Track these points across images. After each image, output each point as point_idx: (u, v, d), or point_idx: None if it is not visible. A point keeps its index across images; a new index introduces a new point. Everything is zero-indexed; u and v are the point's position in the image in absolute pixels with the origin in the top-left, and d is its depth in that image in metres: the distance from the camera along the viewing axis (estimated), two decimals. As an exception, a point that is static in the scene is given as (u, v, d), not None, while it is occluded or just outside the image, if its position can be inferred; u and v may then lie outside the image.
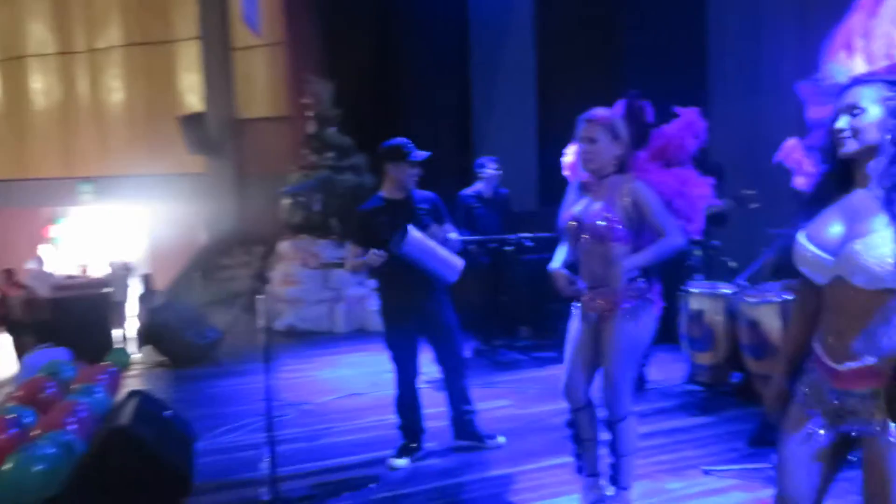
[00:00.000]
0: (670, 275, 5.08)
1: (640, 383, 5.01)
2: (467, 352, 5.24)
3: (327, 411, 5.15)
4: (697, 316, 4.89)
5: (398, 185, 3.92)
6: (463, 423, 4.13)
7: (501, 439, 4.17)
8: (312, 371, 6.31)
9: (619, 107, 3.16)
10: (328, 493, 3.67)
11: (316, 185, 6.97)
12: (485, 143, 8.38)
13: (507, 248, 6.04)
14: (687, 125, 3.23)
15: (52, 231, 13.36)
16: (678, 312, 5.04)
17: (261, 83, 11.24)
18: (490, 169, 6.14)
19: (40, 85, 13.12)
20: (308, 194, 7.46)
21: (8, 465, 3.54)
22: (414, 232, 3.69)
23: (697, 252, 5.14)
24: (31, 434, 3.90)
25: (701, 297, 4.89)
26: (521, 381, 5.58)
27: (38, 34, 12.99)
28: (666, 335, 5.53)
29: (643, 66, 6.32)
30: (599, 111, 3.01)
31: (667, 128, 3.23)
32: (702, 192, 3.10)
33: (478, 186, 6.18)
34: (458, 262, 3.88)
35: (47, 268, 10.27)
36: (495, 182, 6.20)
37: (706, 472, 3.67)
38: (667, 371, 5.35)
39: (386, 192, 3.96)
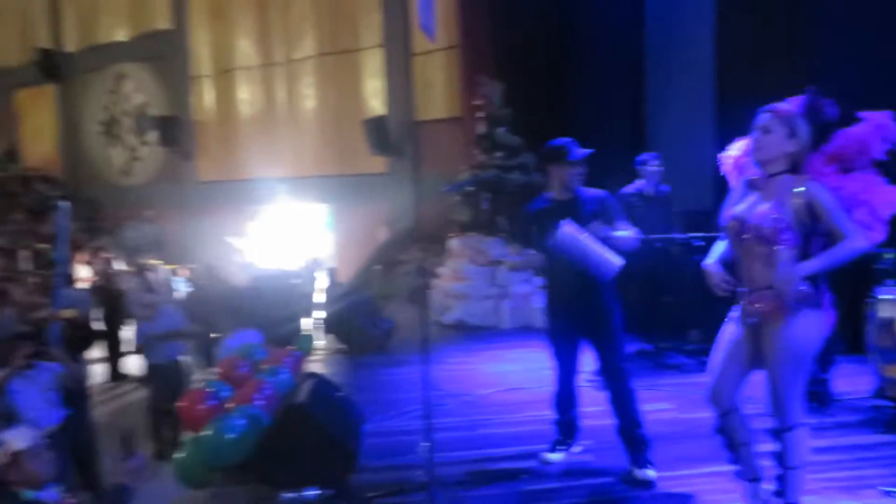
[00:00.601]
0: (855, 281, 4.73)
1: (826, 398, 4.72)
2: (631, 353, 5.18)
3: (487, 404, 5.32)
4: (888, 325, 4.53)
5: (562, 184, 3.92)
6: (625, 432, 3.92)
7: (652, 473, 3.83)
8: (476, 364, 6.52)
9: (798, 103, 3.01)
10: (482, 481, 3.83)
11: (472, 184, 7.15)
12: (658, 141, 8.17)
13: (674, 248, 5.88)
14: (875, 128, 3.01)
15: (252, 227, 14.71)
16: (866, 321, 4.69)
17: (438, 86, 11.68)
18: (651, 166, 6.00)
19: (245, 95, 14.51)
20: (467, 192, 7.68)
21: (207, 432, 4.03)
22: (568, 229, 3.71)
23: (889, 255, 4.73)
24: (226, 406, 4.39)
25: (892, 304, 4.51)
26: (686, 386, 5.42)
27: (244, 49, 14.37)
28: (853, 345, 5.15)
29: (833, 62, 5.82)
30: (782, 104, 2.92)
31: (851, 130, 3.02)
32: (888, 198, 2.89)
33: (639, 184, 6.06)
34: (616, 261, 3.83)
35: (246, 260, 11.38)
36: (657, 179, 6.05)
37: (885, 494, 3.40)
38: (853, 384, 4.97)
39: (553, 192, 3.97)
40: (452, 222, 8.54)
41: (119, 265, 12.11)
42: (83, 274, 11.21)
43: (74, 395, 5.95)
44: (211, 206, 14.14)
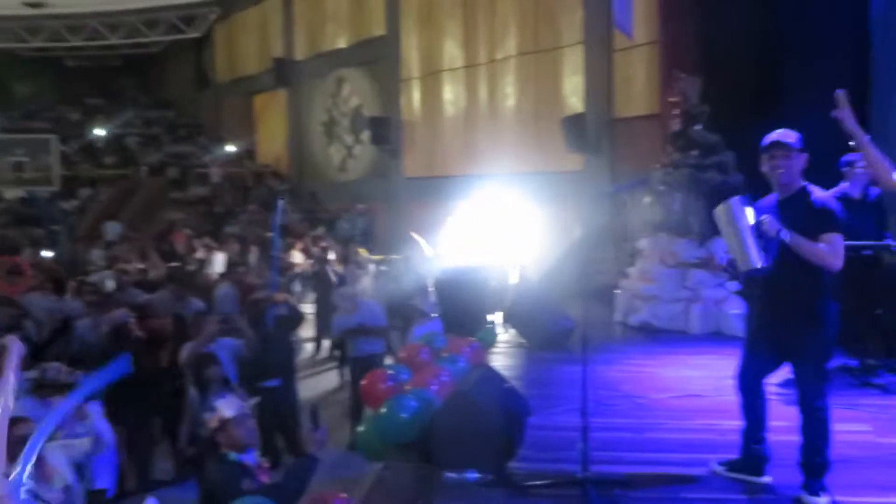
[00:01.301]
0: None
1: None
2: (833, 368, 4.78)
3: (661, 408, 5.21)
4: None
5: (772, 181, 3.61)
6: (805, 454, 3.59)
7: (824, 501, 3.47)
8: (657, 368, 6.38)
9: None
10: (642, 483, 3.80)
11: (640, 185, 6.94)
12: (884, 140, 7.38)
13: (887, 256, 5.35)
14: None
15: (450, 222, 15.33)
16: None
17: (638, 83, 11.43)
18: (858, 167, 5.48)
19: (450, 95, 15.16)
20: (659, 191, 7.46)
21: (383, 410, 4.39)
22: (729, 205, 3.54)
23: None
24: (403, 388, 4.74)
25: None
26: (890, 407, 4.93)
27: (450, 51, 15.02)
28: None
29: None
30: None
31: None
32: None
33: (843, 186, 5.57)
34: (756, 262, 3.50)
35: (440, 253, 11.94)
36: (864, 181, 5.52)
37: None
38: None
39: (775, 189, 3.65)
40: (644, 222, 8.37)
41: (333, 254, 13.25)
42: (299, 260, 12.43)
43: (283, 369, 6.70)
44: (415, 200, 14.98)
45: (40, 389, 4.39)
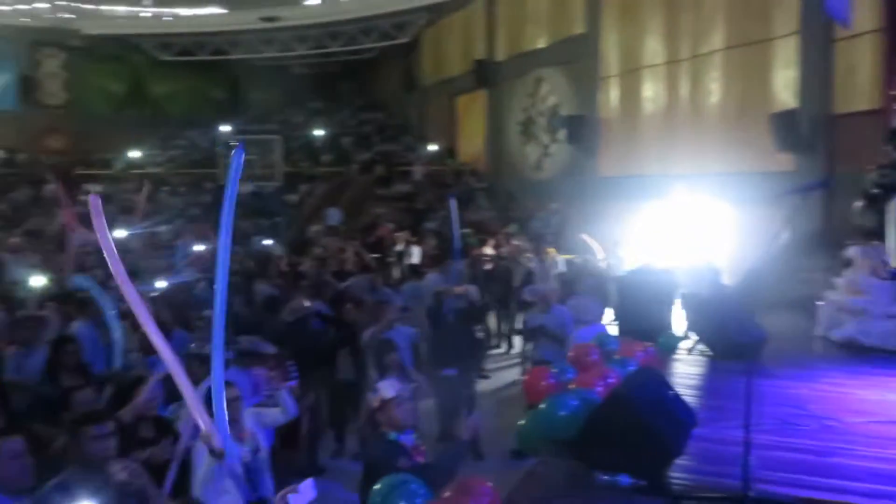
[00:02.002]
0: None
1: None
2: None
3: (854, 432, 4.75)
4: None
5: None
6: None
7: None
8: (856, 389, 5.79)
9: None
10: (813, 510, 3.53)
11: (818, 187, 6.21)
12: None
13: None
14: None
15: (642, 222, 14.84)
16: None
17: (861, 75, 10.35)
18: None
19: (650, 93, 14.69)
20: (872, 195, 6.71)
21: (542, 406, 4.45)
22: None
23: None
24: (566, 386, 4.77)
25: None
26: None
27: (651, 47, 14.55)
28: None
29: None
30: None
31: None
32: None
33: None
34: None
35: (627, 254, 11.64)
36: None
37: None
38: None
39: None
40: (855, 228, 7.61)
41: (524, 251, 13.43)
42: (489, 254, 12.72)
43: (462, 359, 6.96)
44: (609, 200, 14.70)
45: (241, 359, 4.97)
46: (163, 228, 15.02)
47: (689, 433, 4.17)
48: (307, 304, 6.45)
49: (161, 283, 8.30)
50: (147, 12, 21.94)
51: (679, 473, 3.91)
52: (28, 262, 10.49)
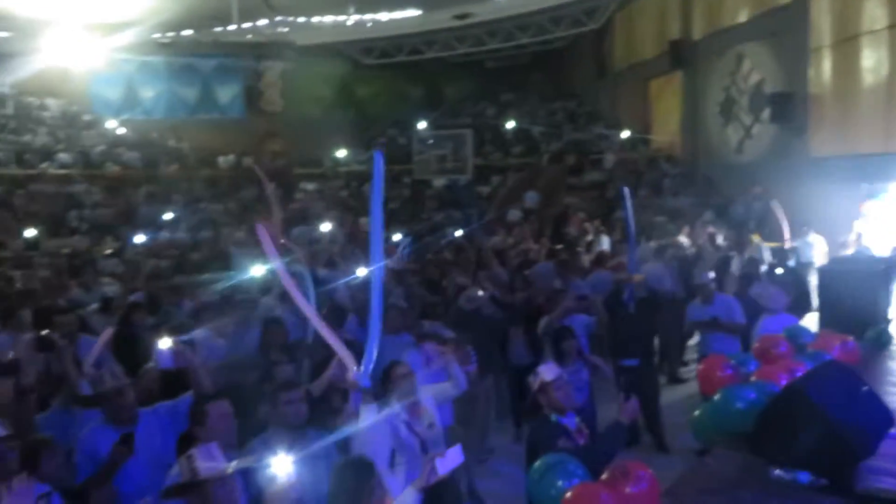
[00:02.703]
0: None
1: None
2: None
3: None
4: None
5: None
6: None
7: None
8: None
9: None
10: None
11: None
12: None
13: None
14: None
15: (868, 207, 13.47)
16: None
17: None
18: None
19: (869, 62, 13.24)
20: None
21: (717, 397, 4.30)
22: None
23: None
24: (746, 378, 4.56)
25: None
26: None
27: (871, 11, 13.08)
28: None
29: None
30: None
31: None
32: None
33: None
34: None
35: (864, 242, 10.66)
36: None
37: None
38: None
39: None
40: None
41: (720, 239, 12.78)
42: (684, 243, 12.25)
43: (643, 349, 6.86)
44: (822, 183, 13.51)
45: (420, 339, 5.31)
46: (363, 220, 16.12)
47: (882, 433, 3.83)
48: (481, 292, 6.69)
49: (361, 271, 8.98)
50: (351, 20, 23.51)
51: (868, 475, 3.61)
52: (251, 254, 11.82)
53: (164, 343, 4.08)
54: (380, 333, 4.00)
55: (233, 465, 2.87)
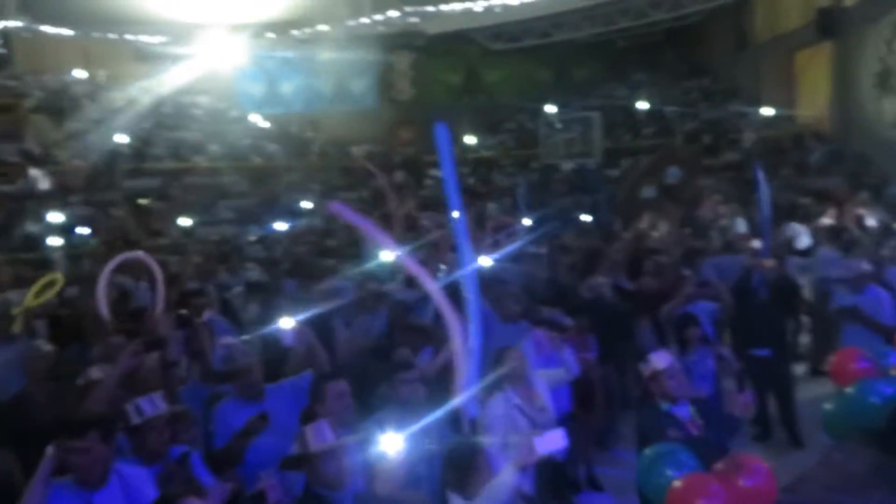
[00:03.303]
0: None
1: None
2: None
3: None
4: None
5: None
6: None
7: None
8: None
9: None
10: None
11: None
12: None
13: None
14: None
15: None
16: None
17: None
18: None
19: None
20: None
21: (849, 390, 4.05)
22: None
23: None
24: (885, 372, 4.26)
25: None
26: None
27: None
28: None
29: None
30: None
31: None
32: None
33: None
34: None
35: None
36: None
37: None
38: None
39: None
40: None
41: (871, 221, 11.86)
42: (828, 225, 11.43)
43: (774, 338, 6.53)
44: None
45: (536, 326, 5.33)
46: (492, 206, 16.21)
47: None
48: (602, 280, 6.58)
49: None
50: (480, 6, 23.59)
51: None
52: (379, 241, 12.24)
53: (287, 323, 4.35)
54: (494, 321, 4.08)
55: (343, 441, 3.04)
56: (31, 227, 14.87)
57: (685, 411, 3.67)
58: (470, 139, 23.42)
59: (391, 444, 3.00)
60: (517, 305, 5.92)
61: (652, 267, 7.80)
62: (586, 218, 14.19)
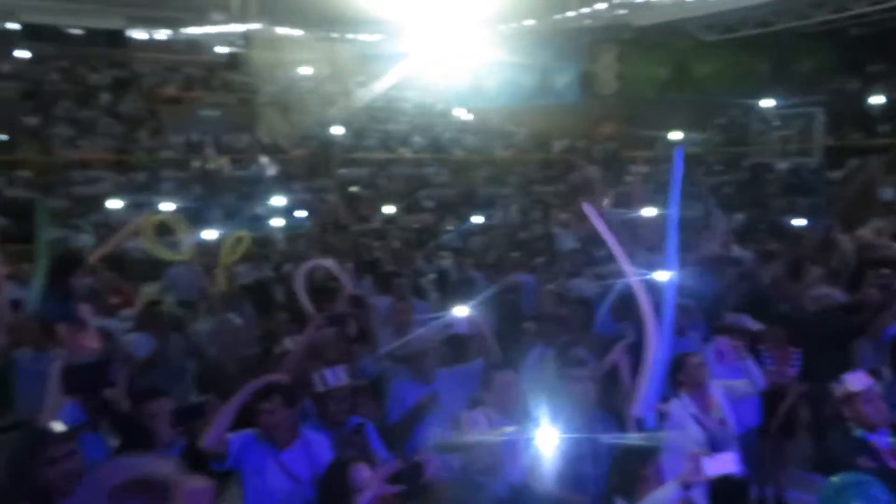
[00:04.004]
0: None
1: None
2: None
3: None
4: None
5: None
6: None
7: None
8: None
9: None
10: None
11: None
12: None
13: None
14: None
15: None
16: None
17: None
18: None
19: None
20: None
21: None
22: None
23: None
24: None
25: None
26: None
27: None
28: None
29: None
30: None
31: None
32: None
33: None
34: None
35: None
36: None
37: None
38: None
39: None
40: None
41: None
42: None
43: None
44: None
45: (720, 332, 5.04)
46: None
47: None
48: (829, 290, 6.03)
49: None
50: (693, -5, 22.49)
51: None
52: (574, 235, 12.17)
53: (461, 311, 4.48)
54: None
55: (498, 432, 3.10)
56: (258, 209, 16.52)
57: (884, 440, 3.28)
58: (676, 135, 22.45)
59: (548, 439, 3.00)
60: (684, 318, 5.59)
61: (878, 279, 7.00)
62: (800, 222, 13.02)
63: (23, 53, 22.25)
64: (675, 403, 4.24)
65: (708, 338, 5.32)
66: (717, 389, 4.25)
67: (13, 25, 23.25)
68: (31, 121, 18.98)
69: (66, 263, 6.04)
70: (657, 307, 3.94)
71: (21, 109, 19.32)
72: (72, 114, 19.76)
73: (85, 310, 4.87)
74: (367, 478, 2.88)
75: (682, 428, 4.11)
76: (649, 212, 14.27)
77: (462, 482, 3.15)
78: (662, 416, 4.12)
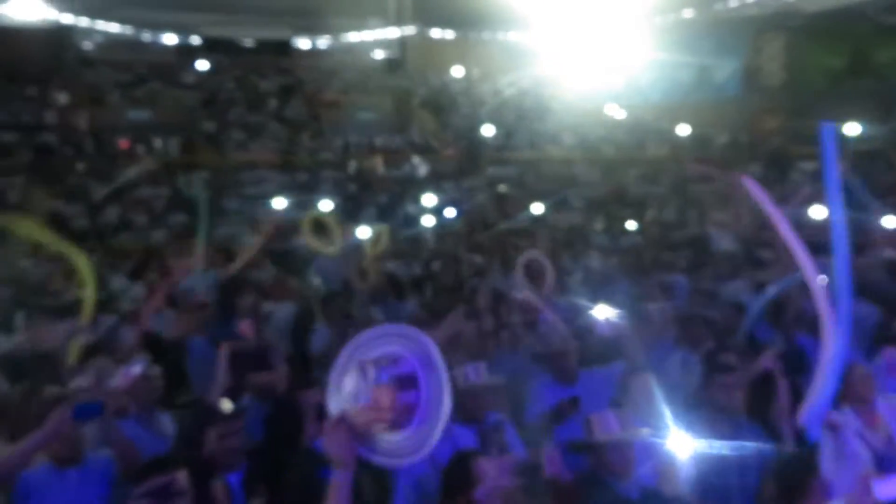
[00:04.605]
0: None
1: None
2: None
3: None
4: None
5: None
6: None
7: None
8: None
9: None
10: None
11: None
12: None
13: None
14: None
15: None
16: None
17: None
18: None
19: None
20: None
21: None
22: None
23: None
24: None
25: None
26: None
27: None
28: None
29: None
30: None
31: None
32: None
33: None
34: None
35: None
36: None
37: None
38: None
39: None
40: None
41: None
42: None
43: None
44: None
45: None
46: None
47: None
48: None
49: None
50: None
51: None
52: (732, 236, 11.59)
53: (602, 312, 4.40)
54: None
55: (629, 434, 3.03)
56: (410, 208, 17.03)
57: None
58: (852, 128, 20.66)
59: (682, 445, 2.90)
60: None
61: None
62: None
63: (202, 65, 24.35)
64: (842, 417, 3.95)
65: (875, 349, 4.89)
66: (886, 405, 3.90)
67: (195, 39, 25.52)
68: (209, 126, 20.72)
69: (233, 286, 6.50)
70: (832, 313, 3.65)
71: (200, 116, 21.16)
72: (243, 119, 21.37)
73: (246, 326, 5.14)
74: (489, 469, 2.92)
75: (850, 443, 3.83)
76: (818, 212, 13.25)
77: (590, 482, 3.12)
78: (833, 429, 3.86)
